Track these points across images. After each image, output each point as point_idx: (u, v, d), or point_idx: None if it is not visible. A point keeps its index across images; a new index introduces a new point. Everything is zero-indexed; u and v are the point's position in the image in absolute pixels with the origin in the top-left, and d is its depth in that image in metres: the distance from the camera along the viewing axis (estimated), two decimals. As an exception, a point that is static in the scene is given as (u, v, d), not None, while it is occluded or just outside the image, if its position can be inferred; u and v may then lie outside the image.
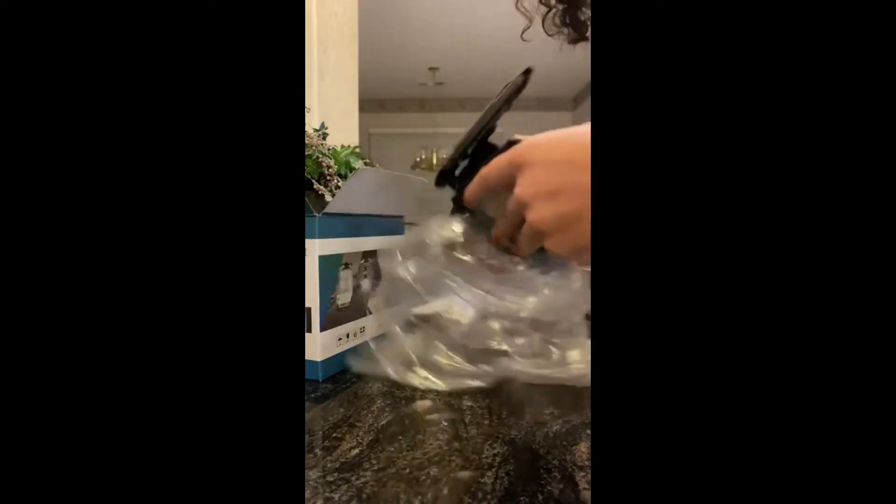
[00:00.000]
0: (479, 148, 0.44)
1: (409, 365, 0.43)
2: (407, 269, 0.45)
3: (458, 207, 0.46)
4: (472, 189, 0.43)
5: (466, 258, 0.44)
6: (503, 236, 0.43)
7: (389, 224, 0.55)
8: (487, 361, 0.43)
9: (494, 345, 0.43)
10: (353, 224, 0.49)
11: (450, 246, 0.45)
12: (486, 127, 0.43)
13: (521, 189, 0.39)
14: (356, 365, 0.44)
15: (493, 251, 0.44)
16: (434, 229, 0.46)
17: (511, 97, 0.44)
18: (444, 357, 0.43)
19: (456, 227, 0.46)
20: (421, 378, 0.42)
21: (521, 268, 0.44)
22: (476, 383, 0.42)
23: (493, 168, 0.41)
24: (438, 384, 0.42)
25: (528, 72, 0.44)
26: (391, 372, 0.43)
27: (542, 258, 0.45)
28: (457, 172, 0.45)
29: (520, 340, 0.43)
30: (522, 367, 0.43)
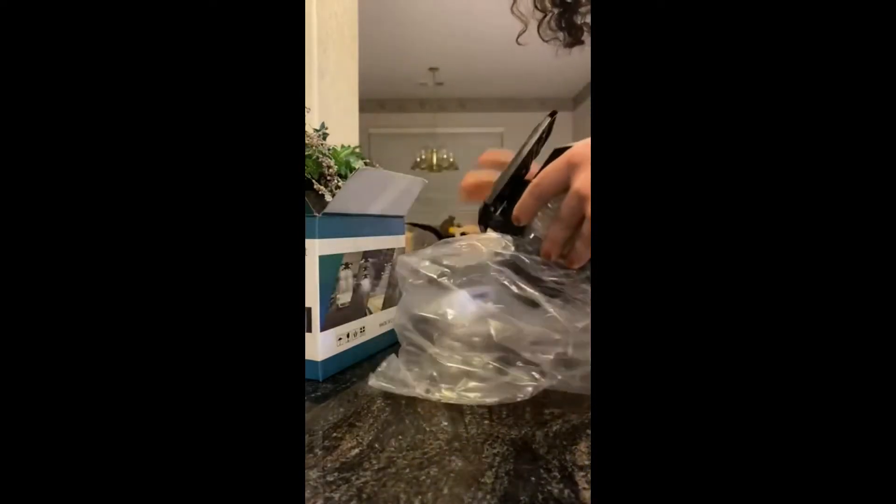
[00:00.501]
0: (518, 187, 0.44)
1: (436, 381, 0.41)
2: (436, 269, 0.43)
3: (505, 232, 0.46)
4: (524, 202, 0.42)
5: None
6: (557, 245, 0.42)
7: (390, 224, 0.55)
8: (517, 369, 0.41)
9: (526, 355, 0.41)
10: (353, 224, 0.49)
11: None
12: (522, 168, 0.44)
13: (582, 183, 0.38)
14: (379, 383, 0.42)
15: (543, 267, 0.43)
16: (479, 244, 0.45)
17: (542, 139, 0.44)
18: (478, 367, 0.41)
19: (508, 242, 0.45)
20: (455, 393, 0.40)
21: (572, 279, 0.43)
22: (514, 395, 0.39)
23: (548, 173, 0.40)
24: (473, 398, 0.39)
25: (553, 114, 0.45)
26: (421, 391, 0.40)
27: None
28: (497, 212, 0.45)
29: (553, 352, 0.41)
30: (562, 380, 0.41)
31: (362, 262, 0.50)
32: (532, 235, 0.45)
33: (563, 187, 0.39)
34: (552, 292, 0.42)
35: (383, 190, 0.52)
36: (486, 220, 0.46)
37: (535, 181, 0.41)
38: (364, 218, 0.50)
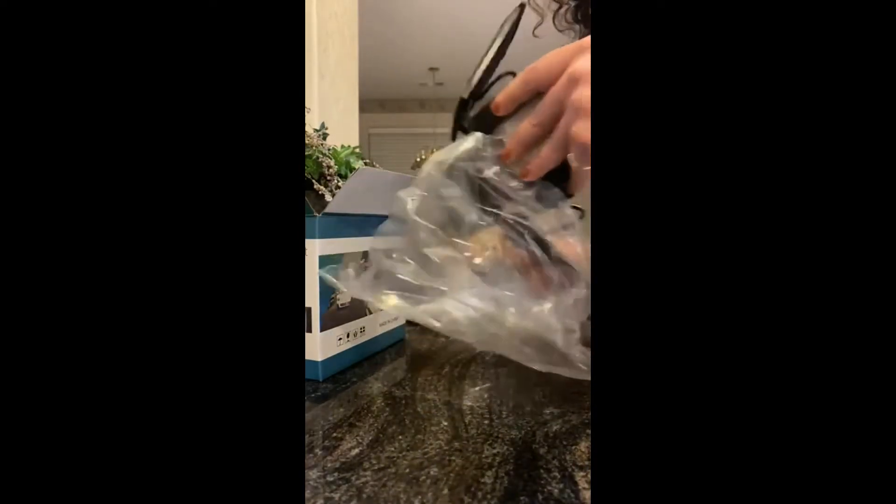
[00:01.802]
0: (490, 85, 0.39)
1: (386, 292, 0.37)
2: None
3: (479, 130, 0.40)
4: (513, 86, 0.37)
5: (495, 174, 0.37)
6: (521, 145, 0.37)
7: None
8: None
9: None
10: (353, 224, 0.49)
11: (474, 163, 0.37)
12: (498, 58, 0.39)
13: (579, 68, 0.32)
14: (326, 276, 0.39)
15: (499, 173, 0.38)
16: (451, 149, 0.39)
17: (513, 30, 0.39)
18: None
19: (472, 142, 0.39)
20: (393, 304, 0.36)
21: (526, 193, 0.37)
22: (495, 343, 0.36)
23: (548, 57, 0.35)
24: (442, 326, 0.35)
25: (522, 6, 0.40)
26: (367, 296, 0.36)
27: (547, 189, 0.39)
28: (472, 109, 0.41)
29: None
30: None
31: (362, 261, 0.50)
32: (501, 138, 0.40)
33: (560, 75, 0.34)
34: (495, 204, 0.38)
35: (382, 189, 0.52)
36: (461, 119, 0.41)
37: (531, 66, 0.36)
38: (363, 218, 0.51)
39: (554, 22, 0.66)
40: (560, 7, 0.65)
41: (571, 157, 0.35)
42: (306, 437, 0.33)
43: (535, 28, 0.67)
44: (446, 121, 0.44)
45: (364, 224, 0.50)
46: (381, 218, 0.53)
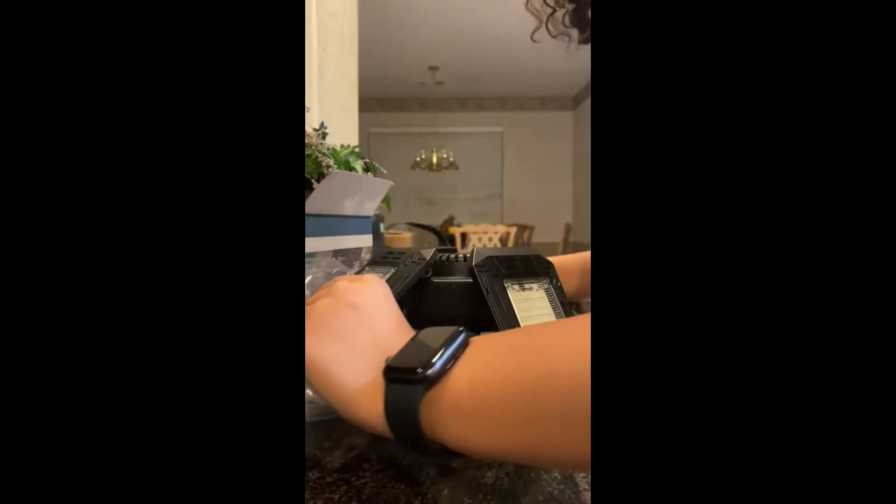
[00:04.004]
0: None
1: None
2: None
3: None
4: None
5: None
6: None
7: (357, 224, 0.58)
8: None
9: None
10: (324, 224, 0.50)
11: None
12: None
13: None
14: None
15: None
16: None
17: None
18: None
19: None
20: None
21: None
22: None
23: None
24: None
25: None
26: None
27: None
28: None
29: None
30: None
31: (332, 259, 0.52)
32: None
33: None
34: None
35: (354, 192, 0.53)
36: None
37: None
38: (334, 219, 0.52)
39: (547, 27, 0.64)
40: (553, 12, 0.64)
41: None
42: (306, 436, 0.33)
43: (534, 33, 0.65)
44: (446, 120, 0.45)
45: (334, 224, 0.52)
46: (350, 218, 0.55)
